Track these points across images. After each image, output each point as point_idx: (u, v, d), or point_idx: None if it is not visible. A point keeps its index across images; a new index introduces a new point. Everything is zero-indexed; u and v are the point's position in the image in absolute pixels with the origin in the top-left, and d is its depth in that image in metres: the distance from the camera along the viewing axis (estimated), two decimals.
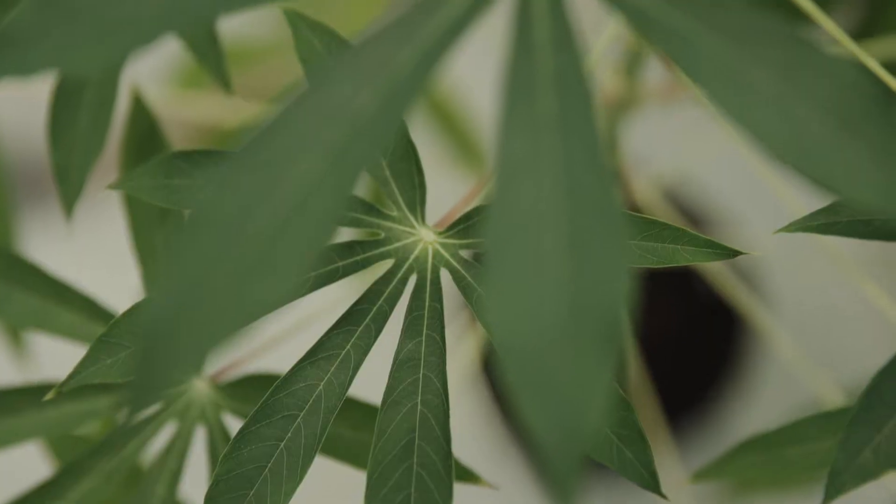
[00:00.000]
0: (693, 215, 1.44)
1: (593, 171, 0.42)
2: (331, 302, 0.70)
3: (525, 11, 0.45)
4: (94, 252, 1.45)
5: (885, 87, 0.42)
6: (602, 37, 0.70)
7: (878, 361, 0.87)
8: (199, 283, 0.41)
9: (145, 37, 0.44)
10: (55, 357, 0.90)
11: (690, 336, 1.40)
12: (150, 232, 0.71)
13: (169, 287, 0.41)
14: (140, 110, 0.72)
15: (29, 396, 0.69)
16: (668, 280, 1.30)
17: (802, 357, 1.21)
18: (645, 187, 1.10)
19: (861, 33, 1.13)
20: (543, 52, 0.44)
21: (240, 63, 1.23)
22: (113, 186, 0.64)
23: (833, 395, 0.96)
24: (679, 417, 1.41)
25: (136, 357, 0.57)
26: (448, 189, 1.22)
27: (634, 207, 1.13)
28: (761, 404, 1.44)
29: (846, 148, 0.42)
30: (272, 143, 0.42)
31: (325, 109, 0.43)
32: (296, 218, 0.42)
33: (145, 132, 0.71)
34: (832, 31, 0.70)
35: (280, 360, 0.68)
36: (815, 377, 0.97)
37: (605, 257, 0.41)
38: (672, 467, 1.17)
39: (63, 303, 0.71)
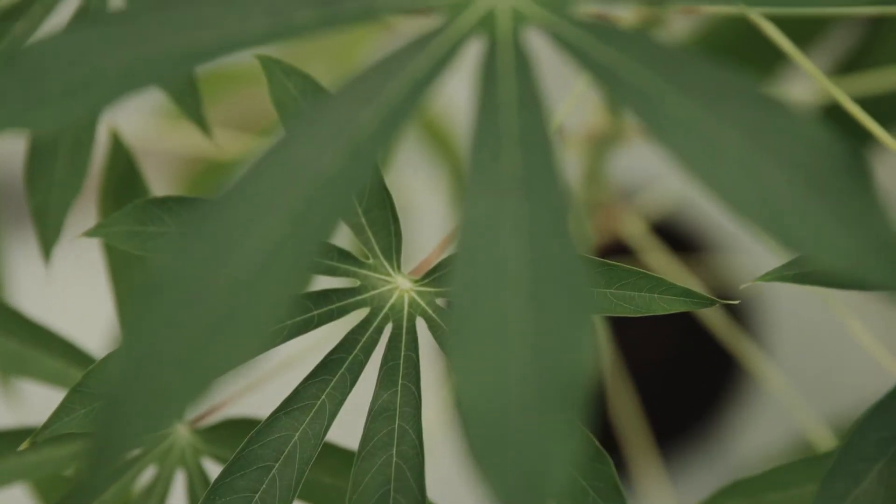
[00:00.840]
0: (689, 243, 1.43)
1: (557, 233, 0.42)
2: (316, 340, 0.69)
3: (490, 69, 0.45)
4: (81, 266, 1.44)
5: (852, 146, 0.42)
6: (582, 78, 0.70)
7: (865, 395, 0.86)
8: (159, 348, 0.40)
9: (111, 95, 0.44)
10: (48, 397, 0.90)
11: (683, 365, 1.40)
12: (128, 274, 0.71)
13: (129, 350, 0.41)
14: (118, 151, 0.71)
15: (9, 441, 0.69)
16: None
17: (792, 390, 1.20)
18: (635, 220, 1.10)
19: (852, 64, 1.13)
20: (509, 112, 0.44)
21: (223, 88, 1.22)
22: (88, 234, 0.63)
23: (821, 431, 0.95)
24: (671, 445, 1.40)
25: (96, 420, 0.56)
26: (444, 215, 1.21)
27: (621, 243, 1.13)
28: (754, 432, 1.44)
29: (813, 210, 0.42)
30: (235, 206, 0.42)
31: (287, 171, 0.43)
32: (257, 281, 0.41)
33: (123, 174, 0.70)
34: (809, 69, 0.70)
35: (263, 401, 0.68)
36: (804, 412, 0.97)
37: (569, 321, 0.40)
38: (663, 496, 1.17)
39: (42, 347, 0.70)
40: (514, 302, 0.41)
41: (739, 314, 1.38)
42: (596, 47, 0.45)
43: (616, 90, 0.44)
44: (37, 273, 1.09)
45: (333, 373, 0.59)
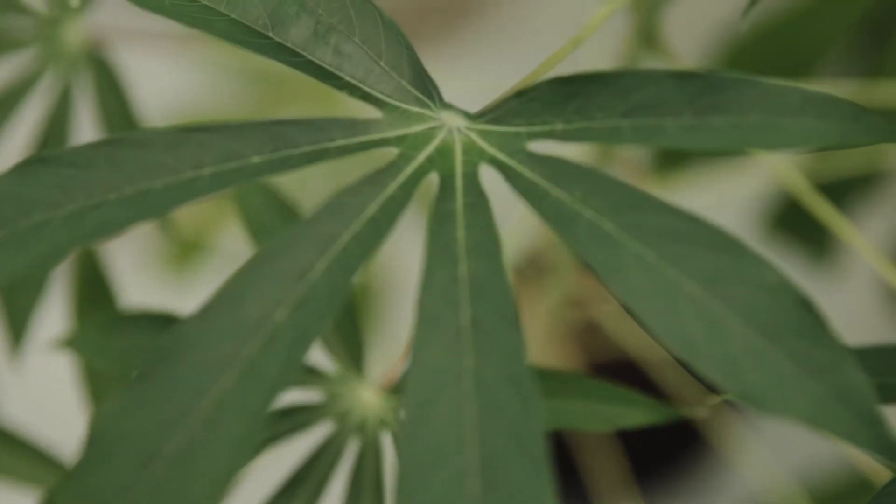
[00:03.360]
0: None
1: (510, 385, 0.41)
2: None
3: (443, 212, 0.45)
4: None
5: (806, 295, 0.42)
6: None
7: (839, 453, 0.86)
8: None
9: (61, 248, 0.44)
10: None
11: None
12: (101, 378, 0.70)
13: None
14: (88, 254, 0.71)
15: None
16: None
17: (763, 454, 1.20)
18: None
19: (867, 73, 1.12)
20: (461, 257, 0.44)
21: None
22: (58, 344, 0.63)
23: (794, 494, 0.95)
24: (651, 483, 1.40)
25: None
26: None
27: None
28: (733, 472, 1.43)
29: (769, 359, 0.41)
30: (185, 361, 0.42)
31: (239, 326, 0.42)
32: (209, 440, 0.41)
33: (92, 279, 0.70)
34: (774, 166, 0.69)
35: None
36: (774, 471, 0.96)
37: (520, 482, 0.40)
38: None
39: (14, 452, 0.70)
40: (464, 460, 0.40)
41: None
42: (549, 187, 0.45)
43: (566, 231, 0.43)
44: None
45: (294, 495, 0.59)
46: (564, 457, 1.19)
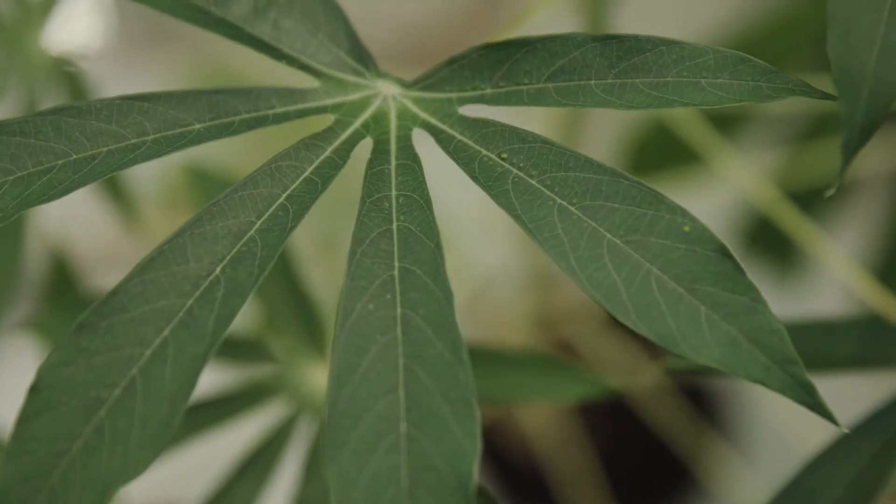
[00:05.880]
0: None
1: (438, 333, 0.43)
2: None
3: (377, 173, 0.47)
4: None
5: (723, 244, 0.43)
6: None
7: None
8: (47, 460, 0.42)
9: (9, 213, 0.45)
10: None
11: (646, 444, 1.40)
12: None
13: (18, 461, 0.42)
14: (57, 255, 0.73)
15: None
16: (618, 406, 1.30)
17: (752, 480, 1.21)
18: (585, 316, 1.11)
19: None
20: (393, 214, 0.45)
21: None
22: (25, 325, 0.65)
23: None
24: None
25: None
26: None
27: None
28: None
29: (685, 305, 0.43)
30: (126, 313, 0.43)
31: (178, 280, 0.44)
32: (150, 388, 0.42)
33: (59, 275, 0.72)
34: (731, 168, 0.71)
35: None
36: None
37: (447, 424, 0.41)
38: None
39: None
40: (395, 410, 0.42)
41: (712, 407, 1.39)
42: (478, 148, 0.46)
43: (494, 188, 0.45)
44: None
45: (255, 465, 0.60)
46: (548, 492, 1.20)
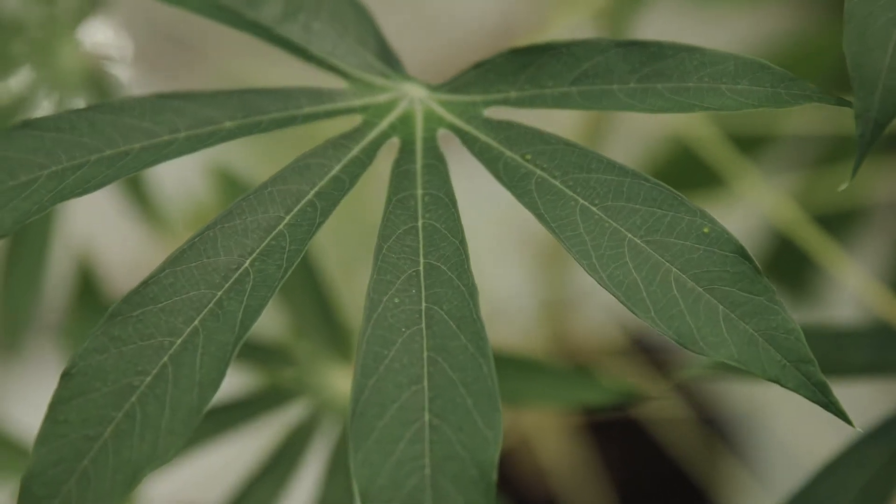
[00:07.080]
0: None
1: (462, 326, 0.44)
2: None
3: (403, 172, 0.48)
4: None
5: (741, 245, 0.44)
6: None
7: None
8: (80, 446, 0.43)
9: (43, 206, 0.46)
10: None
11: (662, 470, 1.40)
12: None
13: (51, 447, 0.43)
14: (84, 265, 0.74)
15: None
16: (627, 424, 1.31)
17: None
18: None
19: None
20: (419, 212, 0.47)
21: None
22: (57, 336, 0.66)
23: None
24: None
25: None
26: None
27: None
28: None
29: (703, 304, 0.44)
30: (158, 302, 0.44)
31: (209, 272, 0.45)
32: (180, 375, 0.43)
33: (85, 285, 0.73)
34: (753, 186, 0.72)
35: None
36: None
37: (470, 415, 0.42)
38: None
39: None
40: (419, 400, 0.43)
41: (727, 434, 1.39)
42: (503, 149, 0.48)
43: (519, 189, 0.46)
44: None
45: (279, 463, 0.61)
46: None
